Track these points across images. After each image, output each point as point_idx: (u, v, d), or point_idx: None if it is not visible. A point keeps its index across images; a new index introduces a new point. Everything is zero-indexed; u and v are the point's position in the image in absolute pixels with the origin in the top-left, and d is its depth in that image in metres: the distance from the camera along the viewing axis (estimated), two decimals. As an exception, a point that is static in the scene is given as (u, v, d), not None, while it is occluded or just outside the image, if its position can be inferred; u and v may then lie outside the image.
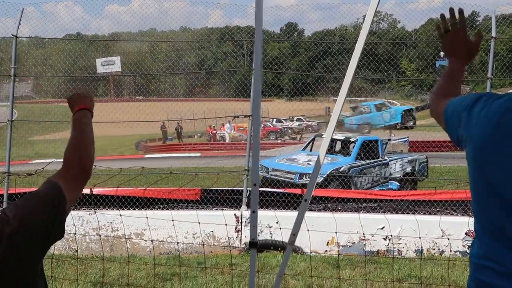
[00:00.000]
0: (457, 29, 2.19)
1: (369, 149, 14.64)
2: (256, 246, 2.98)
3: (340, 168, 14.02)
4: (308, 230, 5.07)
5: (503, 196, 1.58)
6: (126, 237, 8.96)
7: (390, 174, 14.52)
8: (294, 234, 3.37)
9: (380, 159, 14.65)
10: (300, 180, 13.12)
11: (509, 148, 1.58)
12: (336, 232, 7.41)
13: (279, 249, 8.87)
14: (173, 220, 7.78)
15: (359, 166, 14.10)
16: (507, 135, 1.59)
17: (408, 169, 15.03)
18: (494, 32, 9.99)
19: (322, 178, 13.43)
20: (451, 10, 2.21)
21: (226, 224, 8.09)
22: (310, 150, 15.92)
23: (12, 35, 9.74)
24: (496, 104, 1.67)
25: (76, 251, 8.85)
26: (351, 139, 15.18)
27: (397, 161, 14.86)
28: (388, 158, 14.83)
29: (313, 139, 16.68)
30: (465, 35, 2.19)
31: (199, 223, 6.92)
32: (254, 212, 2.98)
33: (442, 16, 2.24)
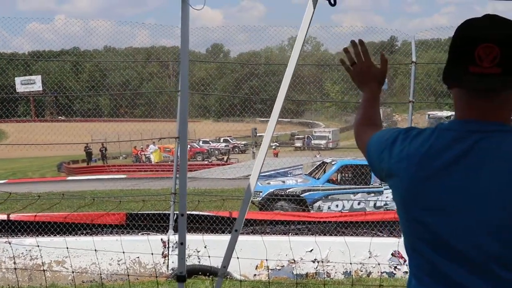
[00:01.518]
0: (361, 59, 2.23)
1: (357, 174, 14.11)
2: (184, 280, 2.83)
3: (289, 189, 13.89)
4: (238, 258, 4.93)
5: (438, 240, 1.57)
6: (46, 265, 8.51)
7: (386, 204, 13.38)
8: (224, 267, 3.23)
9: (369, 185, 13.92)
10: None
11: (431, 189, 1.57)
12: (266, 259, 7.31)
13: (208, 274, 8.67)
14: (96, 250, 7.43)
15: (325, 190, 13.70)
16: (427, 176, 1.58)
17: None
18: (414, 56, 10.27)
19: (262, 197, 13.40)
20: (353, 42, 2.25)
21: (152, 254, 7.83)
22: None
23: None
24: (414, 145, 1.65)
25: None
26: (333, 163, 14.85)
27: None
28: (385, 186, 13.63)
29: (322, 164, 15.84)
30: (369, 63, 2.22)
31: (123, 252, 6.64)
32: (182, 244, 2.83)
33: (346, 49, 2.28)
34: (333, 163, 14.89)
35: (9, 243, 8.39)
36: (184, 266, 2.90)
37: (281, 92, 3.10)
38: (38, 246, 7.79)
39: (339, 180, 14.51)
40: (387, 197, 13.33)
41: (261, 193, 14.05)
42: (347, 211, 13.02)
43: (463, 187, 1.54)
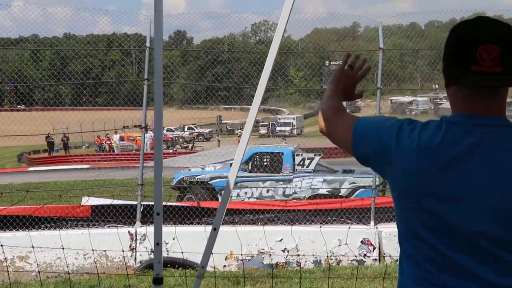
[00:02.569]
0: (356, 72, 2.27)
1: (271, 162, 14.13)
2: (161, 282, 2.70)
3: (198, 176, 14.05)
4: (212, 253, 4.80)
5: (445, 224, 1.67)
6: (9, 261, 8.25)
7: (295, 193, 13.60)
8: (203, 267, 3.11)
9: (280, 173, 13.95)
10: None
11: (444, 180, 1.67)
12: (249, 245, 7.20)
13: (176, 266, 8.54)
14: (62, 246, 7.21)
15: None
16: (441, 167, 1.68)
17: (325, 190, 13.41)
18: (382, 43, 10.22)
19: (174, 183, 13.77)
20: (363, 58, 2.33)
21: (121, 249, 7.65)
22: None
23: None
24: (424, 137, 1.73)
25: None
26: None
27: (304, 179, 13.77)
28: (295, 174, 13.88)
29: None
30: (358, 80, 2.29)
31: (92, 248, 6.45)
32: (158, 245, 2.70)
33: (349, 54, 2.33)
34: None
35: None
36: (161, 268, 2.77)
37: (263, 79, 2.99)
38: None
39: (250, 168, 14.35)
40: (295, 185, 13.66)
41: (174, 180, 14.40)
42: (256, 199, 13.21)
43: (476, 178, 1.65)
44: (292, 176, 13.81)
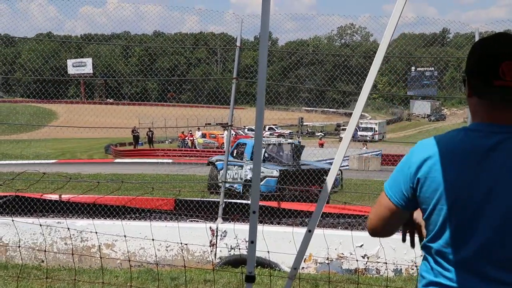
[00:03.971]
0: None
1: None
2: (253, 280, 2.72)
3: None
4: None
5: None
6: (96, 248, 8.58)
7: (244, 178, 15.22)
8: (295, 268, 3.12)
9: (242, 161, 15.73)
10: None
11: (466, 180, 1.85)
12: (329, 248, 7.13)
13: (256, 265, 8.60)
14: (151, 238, 7.40)
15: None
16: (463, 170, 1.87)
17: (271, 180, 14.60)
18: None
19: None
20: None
21: (203, 244, 7.76)
22: None
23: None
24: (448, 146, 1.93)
25: (43, 261, 8.44)
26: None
27: (247, 165, 15.30)
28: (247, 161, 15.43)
29: None
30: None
31: (174, 241, 6.57)
32: (252, 243, 2.72)
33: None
34: None
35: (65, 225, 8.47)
36: (253, 266, 2.80)
37: (367, 83, 2.96)
38: (89, 229, 7.82)
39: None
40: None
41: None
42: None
43: (491, 179, 1.82)
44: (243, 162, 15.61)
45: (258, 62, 2.57)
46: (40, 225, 7.68)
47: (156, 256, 8.68)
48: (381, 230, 2.15)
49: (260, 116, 2.61)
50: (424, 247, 2.02)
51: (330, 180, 2.95)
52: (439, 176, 1.88)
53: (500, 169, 1.81)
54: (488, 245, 1.83)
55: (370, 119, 59.63)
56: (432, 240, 1.96)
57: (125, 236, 6.94)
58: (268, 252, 6.83)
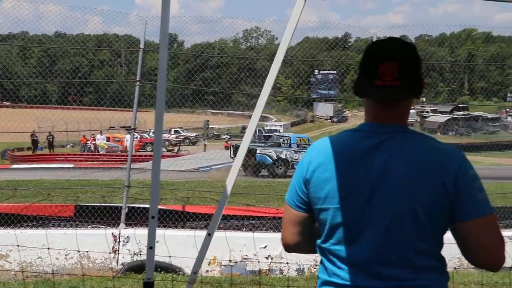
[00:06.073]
0: None
1: None
2: (151, 287, 2.65)
3: None
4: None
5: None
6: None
7: None
8: (195, 272, 3.07)
9: None
10: None
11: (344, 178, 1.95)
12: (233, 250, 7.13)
13: (159, 270, 8.47)
14: (48, 246, 7.11)
15: None
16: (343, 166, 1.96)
17: None
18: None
19: None
20: None
21: (104, 251, 7.55)
22: None
23: None
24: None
25: None
26: None
27: None
28: None
29: None
30: None
31: (73, 249, 6.36)
32: (151, 248, 2.66)
33: None
34: None
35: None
36: (152, 272, 2.73)
37: (267, 85, 2.96)
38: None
39: None
40: None
41: None
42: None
43: (373, 179, 1.89)
44: None
45: (159, 64, 2.50)
46: None
47: (54, 265, 8.35)
48: (292, 243, 2.15)
49: (159, 119, 2.55)
50: (318, 248, 2.04)
51: (230, 183, 2.93)
52: (325, 176, 1.95)
53: (382, 169, 1.88)
54: (378, 243, 1.87)
55: (275, 121, 60.50)
56: (324, 241, 1.99)
57: (18, 245, 6.60)
58: (170, 256, 6.74)
